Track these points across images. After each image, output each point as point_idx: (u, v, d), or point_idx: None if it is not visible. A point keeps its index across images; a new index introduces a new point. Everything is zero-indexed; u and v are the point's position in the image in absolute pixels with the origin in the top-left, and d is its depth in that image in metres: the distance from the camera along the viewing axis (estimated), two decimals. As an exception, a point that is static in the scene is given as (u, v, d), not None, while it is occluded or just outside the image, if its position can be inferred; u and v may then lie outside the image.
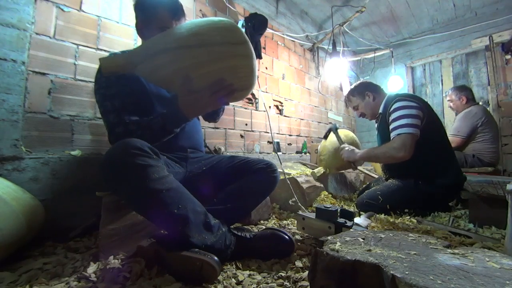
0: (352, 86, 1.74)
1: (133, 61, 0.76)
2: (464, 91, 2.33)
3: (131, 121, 0.85)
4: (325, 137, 1.80)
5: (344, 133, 1.86)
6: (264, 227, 1.20)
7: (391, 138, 1.37)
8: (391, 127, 1.39)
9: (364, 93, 1.64)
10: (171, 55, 0.74)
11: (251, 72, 0.79)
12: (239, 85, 0.80)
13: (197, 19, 0.78)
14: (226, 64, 0.75)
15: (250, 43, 0.77)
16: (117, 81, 0.89)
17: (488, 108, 2.90)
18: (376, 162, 1.89)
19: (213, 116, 1.23)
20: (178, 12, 0.94)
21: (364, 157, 1.51)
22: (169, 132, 0.86)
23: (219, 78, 0.76)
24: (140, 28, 0.98)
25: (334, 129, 1.73)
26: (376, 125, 1.67)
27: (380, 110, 1.55)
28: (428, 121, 1.37)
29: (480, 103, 2.99)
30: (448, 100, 2.43)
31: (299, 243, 0.95)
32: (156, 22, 0.92)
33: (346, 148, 1.58)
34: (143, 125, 0.83)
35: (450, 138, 2.20)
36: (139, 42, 1.53)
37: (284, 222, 1.30)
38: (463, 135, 2.16)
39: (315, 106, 3.16)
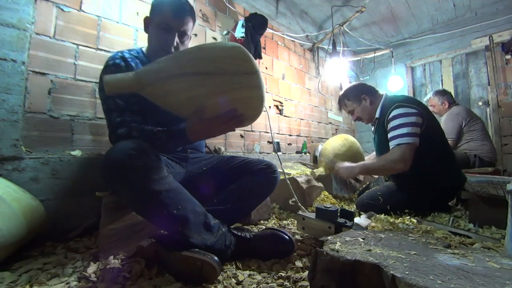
0: (346, 90, 1.66)
1: (141, 83, 0.73)
2: (445, 95, 2.39)
3: (135, 127, 0.84)
4: (315, 161, 1.75)
5: (343, 136, 1.85)
6: (264, 227, 1.20)
7: (390, 148, 1.33)
8: (389, 135, 1.35)
9: (360, 96, 1.57)
10: (185, 82, 0.72)
11: (262, 102, 0.78)
12: (249, 114, 0.79)
13: (208, 43, 0.76)
14: (240, 95, 0.74)
15: (260, 72, 0.76)
16: None
17: (488, 108, 2.92)
18: (375, 175, 1.81)
19: None
20: (180, 13, 0.93)
21: (363, 171, 1.47)
22: (169, 150, 0.85)
23: (232, 109, 0.75)
24: (147, 23, 0.99)
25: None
26: (372, 128, 1.61)
27: (377, 115, 1.49)
28: (427, 125, 1.35)
29: (480, 103, 3.01)
30: (430, 105, 2.47)
31: (299, 243, 0.95)
32: (158, 19, 0.93)
33: (341, 167, 1.51)
34: (146, 136, 0.82)
35: None
36: (139, 42, 1.53)
37: (284, 222, 1.30)
38: (453, 136, 2.19)
39: (315, 106, 3.16)
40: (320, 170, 1.74)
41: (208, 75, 0.71)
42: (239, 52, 0.73)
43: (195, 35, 1.90)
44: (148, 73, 0.74)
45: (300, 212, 1.09)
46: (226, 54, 0.73)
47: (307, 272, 0.72)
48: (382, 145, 1.46)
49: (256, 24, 2.05)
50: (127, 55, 0.95)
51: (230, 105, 0.75)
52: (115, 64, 0.91)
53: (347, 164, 1.52)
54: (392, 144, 1.33)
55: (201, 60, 0.72)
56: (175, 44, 0.94)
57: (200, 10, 1.95)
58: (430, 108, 2.45)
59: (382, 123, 1.44)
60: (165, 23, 0.92)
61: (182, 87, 0.72)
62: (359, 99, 1.58)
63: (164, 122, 0.95)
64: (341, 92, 1.70)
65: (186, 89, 0.72)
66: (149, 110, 0.93)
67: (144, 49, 1.03)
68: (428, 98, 2.50)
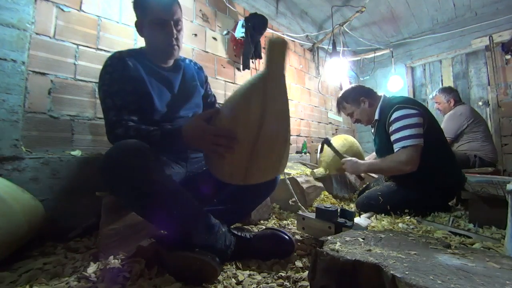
0: (345, 92, 1.65)
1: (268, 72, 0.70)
2: (452, 93, 2.35)
3: (132, 126, 0.83)
4: (320, 151, 1.75)
5: (343, 137, 1.85)
6: (264, 227, 1.20)
7: (395, 150, 1.33)
8: (393, 137, 1.35)
9: (359, 99, 1.57)
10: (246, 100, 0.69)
11: (241, 181, 0.77)
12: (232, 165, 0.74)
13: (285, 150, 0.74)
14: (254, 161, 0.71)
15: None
16: (120, 79, 0.89)
17: (488, 108, 2.92)
18: (381, 174, 1.79)
19: None
20: (168, 3, 0.93)
21: (369, 170, 1.47)
22: (164, 149, 0.83)
23: (230, 130, 0.70)
24: (140, 26, 0.98)
25: (328, 143, 1.65)
26: (372, 130, 1.61)
27: (376, 117, 1.49)
28: (428, 125, 1.35)
29: (480, 103, 3.00)
30: (436, 102, 2.44)
31: (299, 243, 0.95)
32: (149, 17, 0.92)
33: (349, 162, 1.51)
34: (142, 134, 0.81)
35: None
36: (139, 42, 1.53)
37: (284, 222, 1.30)
38: (450, 136, 2.17)
39: (315, 106, 3.16)
40: (320, 170, 1.74)
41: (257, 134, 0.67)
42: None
43: (195, 35, 1.90)
44: (276, 68, 0.70)
45: (300, 212, 1.09)
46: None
47: (307, 272, 0.72)
48: (383, 147, 1.46)
49: (256, 24, 2.05)
50: (124, 55, 0.95)
51: (233, 128, 0.70)
52: (113, 64, 0.91)
53: (354, 159, 1.51)
54: (397, 146, 1.33)
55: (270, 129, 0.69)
56: (174, 35, 0.95)
57: (200, 10, 1.95)
58: (435, 105, 2.44)
59: (382, 124, 1.44)
60: (158, 19, 0.92)
61: (245, 94, 0.71)
62: (357, 101, 1.58)
63: (160, 121, 0.96)
64: (340, 95, 1.69)
65: (236, 98, 0.72)
66: (146, 109, 0.93)
67: (143, 49, 1.03)
68: (434, 95, 2.46)
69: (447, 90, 2.38)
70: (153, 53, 1.00)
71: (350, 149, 1.75)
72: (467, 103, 3.08)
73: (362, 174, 1.81)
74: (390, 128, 1.37)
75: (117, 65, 0.91)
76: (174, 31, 0.95)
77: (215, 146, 0.70)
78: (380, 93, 1.60)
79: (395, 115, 1.35)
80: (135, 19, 0.99)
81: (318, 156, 1.83)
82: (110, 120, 0.86)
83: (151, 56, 1.00)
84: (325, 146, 1.69)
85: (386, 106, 1.45)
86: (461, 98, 3.12)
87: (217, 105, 1.23)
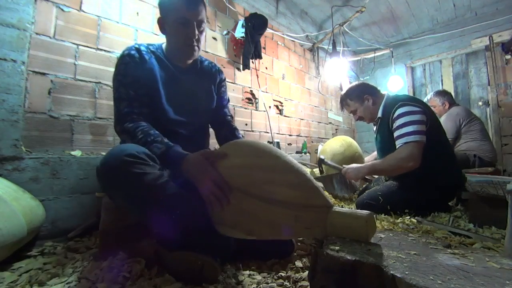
0: (349, 89, 1.65)
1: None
2: (446, 96, 2.39)
3: (141, 127, 0.83)
4: (321, 172, 1.74)
5: (341, 137, 1.85)
6: (264, 227, 1.20)
7: (397, 147, 1.33)
8: (395, 134, 1.35)
9: (363, 96, 1.57)
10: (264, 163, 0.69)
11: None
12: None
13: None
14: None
15: None
16: (135, 71, 0.90)
17: (488, 108, 2.92)
18: (384, 175, 1.78)
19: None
20: (194, 4, 0.92)
21: (372, 171, 1.47)
22: (160, 162, 0.81)
23: (232, 188, 0.68)
24: (162, 24, 0.98)
25: (323, 162, 1.65)
26: (374, 128, 1.61)
27: (379, 114, 1.49)
28: (430, 124, 1.35)
29: (480, 103, 3.00)
30: (431, 106, 2.45)
31: (299, 243, 0.95)
32: (174, 16, 0.92)
33: (350, 170, 1.51)
34: (147, 141, 0.81)
35: None
36: (139, 42, 1.53)
37: (284, 222, 1.29)
38: (450, 137, 2.18)
39: (315, 106, 3.16)
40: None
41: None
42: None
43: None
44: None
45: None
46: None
47: (307, 272, 0.72)
48: (385, 145, 1.46)
49: (256, 24, 2.05)
50: (142, 48, 0.95)
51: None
52: (130, 55, 0.92)
53: (354, 165, 1.52)
54: (399, 142, 1.32)
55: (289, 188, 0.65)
56: (196, 36, 0.95)
57: (200, 10, 1.95)
58: None
59: (385, 122, 1.44)
60: (182, 18, 0.91)
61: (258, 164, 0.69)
62: (361, 99, 1.58)
63: (166, 121, 0.96)
64: (343, 92, 1.69)
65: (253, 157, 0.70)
66: (154, 102, 0.94)
67: (163, 46, 1.03)
68: (428, 98, 2.49)
69: (441, 93, 2.41)
70: (172, 52, 1.00)
71: (348, 149, 1.75)
72: (467, 103, 3.09)
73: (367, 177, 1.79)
74: (394, 124, 1.37)
75: (134, 56, 0.92)
76: (196, 32, 0.94)
77: (209, 192, 0.69)
78: (384, 91, 1.60)
79: (398, 111, 1.35)
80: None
81: (317, 152, 1.83)
82: (121, 110, 0.86)
83: (170, 54, 1.00)
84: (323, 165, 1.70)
85: (389, 103, 1.45)
86: (461, 98, 3.14)
87: (225, 109, 1.22)
